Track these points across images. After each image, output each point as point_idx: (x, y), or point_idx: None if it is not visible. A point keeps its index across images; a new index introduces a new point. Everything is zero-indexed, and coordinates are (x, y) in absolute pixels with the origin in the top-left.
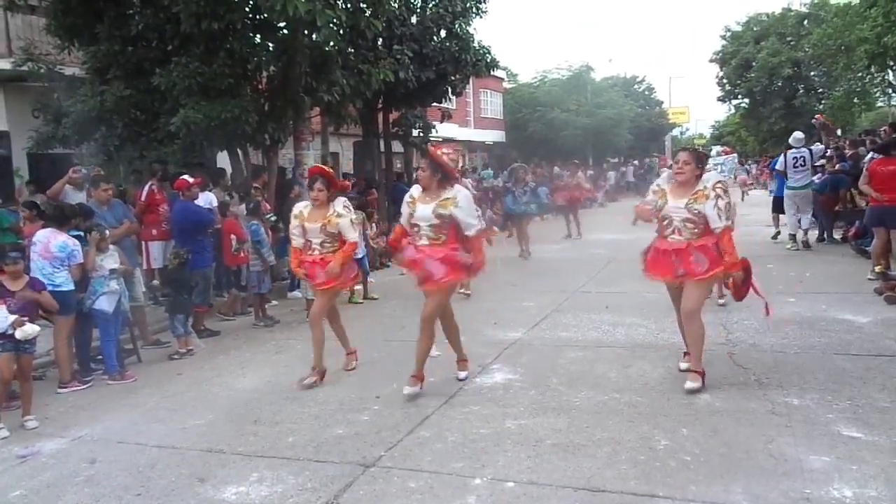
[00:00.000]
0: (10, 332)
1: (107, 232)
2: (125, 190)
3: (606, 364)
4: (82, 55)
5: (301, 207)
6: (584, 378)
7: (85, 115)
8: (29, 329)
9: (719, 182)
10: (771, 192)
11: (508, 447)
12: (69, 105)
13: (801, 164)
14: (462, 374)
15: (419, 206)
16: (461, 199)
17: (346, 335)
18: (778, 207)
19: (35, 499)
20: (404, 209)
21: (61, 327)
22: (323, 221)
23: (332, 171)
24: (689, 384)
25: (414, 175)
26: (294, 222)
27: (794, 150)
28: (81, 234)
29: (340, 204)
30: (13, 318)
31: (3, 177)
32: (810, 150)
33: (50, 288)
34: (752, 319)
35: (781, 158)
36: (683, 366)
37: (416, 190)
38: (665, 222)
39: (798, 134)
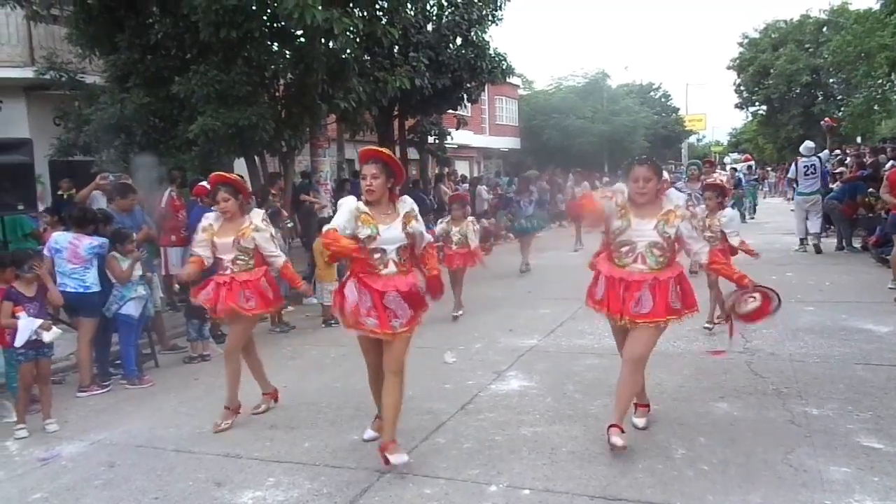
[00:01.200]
0: (34, 337)
1: (144, 254)
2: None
3: None
4: (103, 64)
5: (211, 220)
6: (600, 386)
7: (105, 123)
8: (56, 332)
9: (689, 202)
10: (790, 199)
11: (524, 454)
12: (90, 113)
13: (811, 172)
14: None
15: (381, 227)
16: (417, 209)
17: (264, 372)
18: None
19: (55, 501)
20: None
21: (87, 329)
22: (236, 235)
23: (239, 178)
24: (637, 420)
25: (431, 182)
26: (201, 236)
27: (804, 159)
28: (105, 239)
29: (259, 216)
30: (39, 321)
31: (25, 183)
32: (819, 158)
33: (81, 290)
34: (771, 328)
35: (793, 167)
36: (640, 423)
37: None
38: (625, 248)
39: (808, 143)
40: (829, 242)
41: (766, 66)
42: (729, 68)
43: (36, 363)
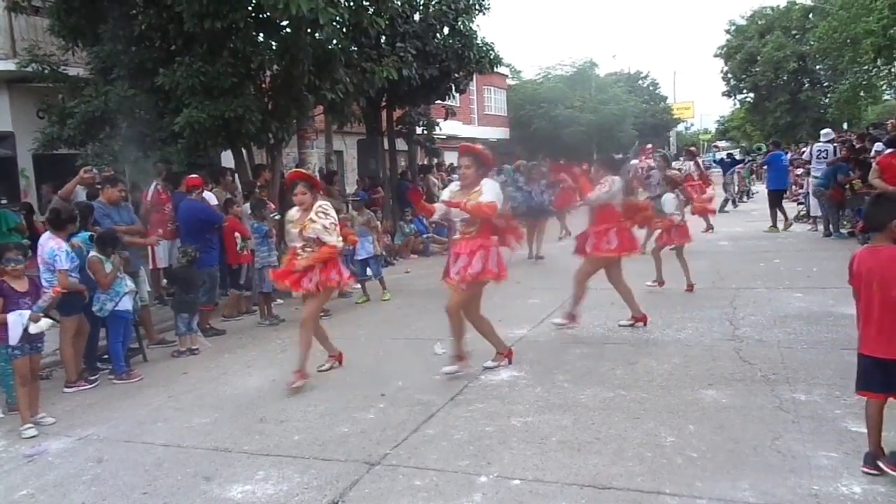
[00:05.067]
0: (33, 331)
1: (126, 254)
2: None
3: (612, 361)
4: (86, 55)
5: (293, 211)
6: (590, 375)
7: (89, 116)
8: (43, 323)
9: None
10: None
11: (514, 445)
12: (73, 105)
13: (822, 157)
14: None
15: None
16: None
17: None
18: (775, 202)
19: (42, 497)
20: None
21: (66, 328)
22: (300, 226)
23: (313, 174)
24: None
25: (419, 172)
26: (288, 227)
27: (819, 144)
28: (89, 234)
29: (316, 209)
30: (27, 313)
31: (8, 178)
32: (834, 146)
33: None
34: (759, 315)
35: (808, 151)
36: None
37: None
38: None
39: (827, 130)
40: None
41: (753, 54)
42: (716, 56)
43: (29, 358)
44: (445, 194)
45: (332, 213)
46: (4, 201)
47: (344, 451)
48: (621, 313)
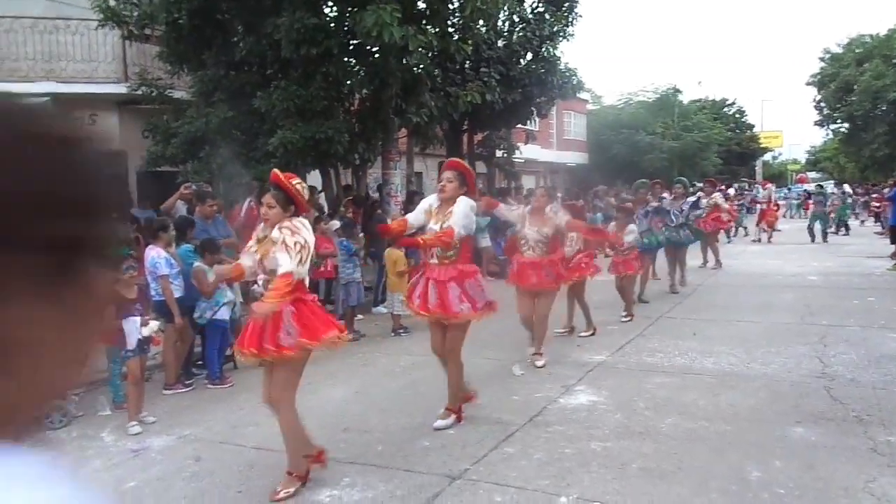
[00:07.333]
0: (140, 336)
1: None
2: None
3: (694, 391)
4: (190, 80)
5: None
6: (671, 404)
7: (191, 136)
8: (153, 325)
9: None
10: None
11: (594, 468)
12: (177, 126)
13: None
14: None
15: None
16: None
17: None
18: None
19: (146, 490)
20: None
21: (168, 334)
22: (262, 253)
23: (298, 188)
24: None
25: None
26: (251, 244)
27: None
28: (192, 247)
29: (287, 228)
30: (139, 319)
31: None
32: None
33: (158, 298)
34: (852, 353)
35: None
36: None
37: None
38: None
39: None
40: None
41: (850, 82)
42: (809, 84)
43: (139, 359)
44: (424, 205)
45: (305, 231)
46: (115, 216)
47: (426, 464)
48: (704, 345)
